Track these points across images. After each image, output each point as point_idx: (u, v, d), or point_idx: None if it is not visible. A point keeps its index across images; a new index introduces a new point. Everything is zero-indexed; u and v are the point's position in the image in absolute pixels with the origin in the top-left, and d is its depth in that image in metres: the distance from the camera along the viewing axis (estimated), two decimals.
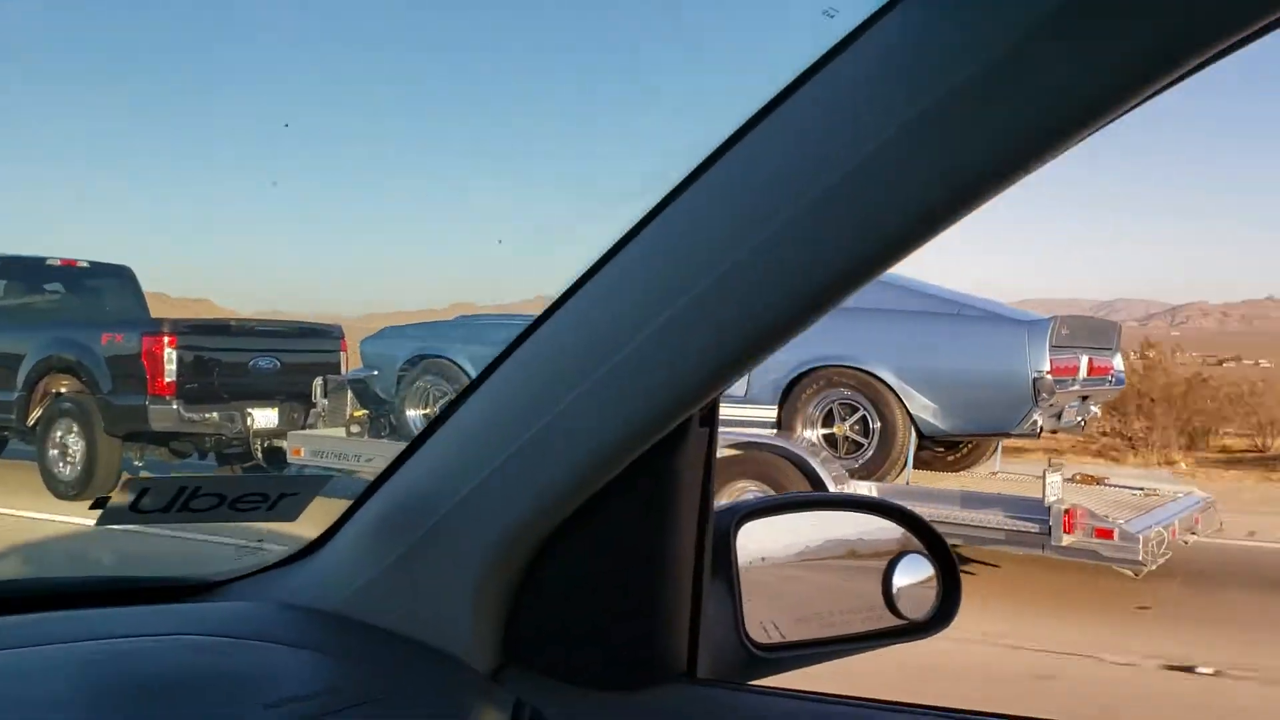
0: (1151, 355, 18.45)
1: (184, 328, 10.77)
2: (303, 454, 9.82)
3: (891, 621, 1.20)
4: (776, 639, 1.14)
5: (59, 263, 12.33)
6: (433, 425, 1.01)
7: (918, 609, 1.21)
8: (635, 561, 0.94)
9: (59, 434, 10.72)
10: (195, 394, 10.52)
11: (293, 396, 11.24)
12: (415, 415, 9.48)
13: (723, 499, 6.99)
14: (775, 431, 7.67)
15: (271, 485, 1.07)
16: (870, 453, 7.47)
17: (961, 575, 1.24)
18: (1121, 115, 0.62)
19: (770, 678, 1.08)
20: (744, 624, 1.07)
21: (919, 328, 7.42)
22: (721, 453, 7.36)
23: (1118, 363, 8.32)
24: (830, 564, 1.26)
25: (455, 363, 9.23)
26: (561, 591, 0.95)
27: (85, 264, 12.68)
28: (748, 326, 0.76)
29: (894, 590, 1.20)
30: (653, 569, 0.93)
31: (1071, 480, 8.00)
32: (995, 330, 7.26)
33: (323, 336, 12.02)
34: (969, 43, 0.62)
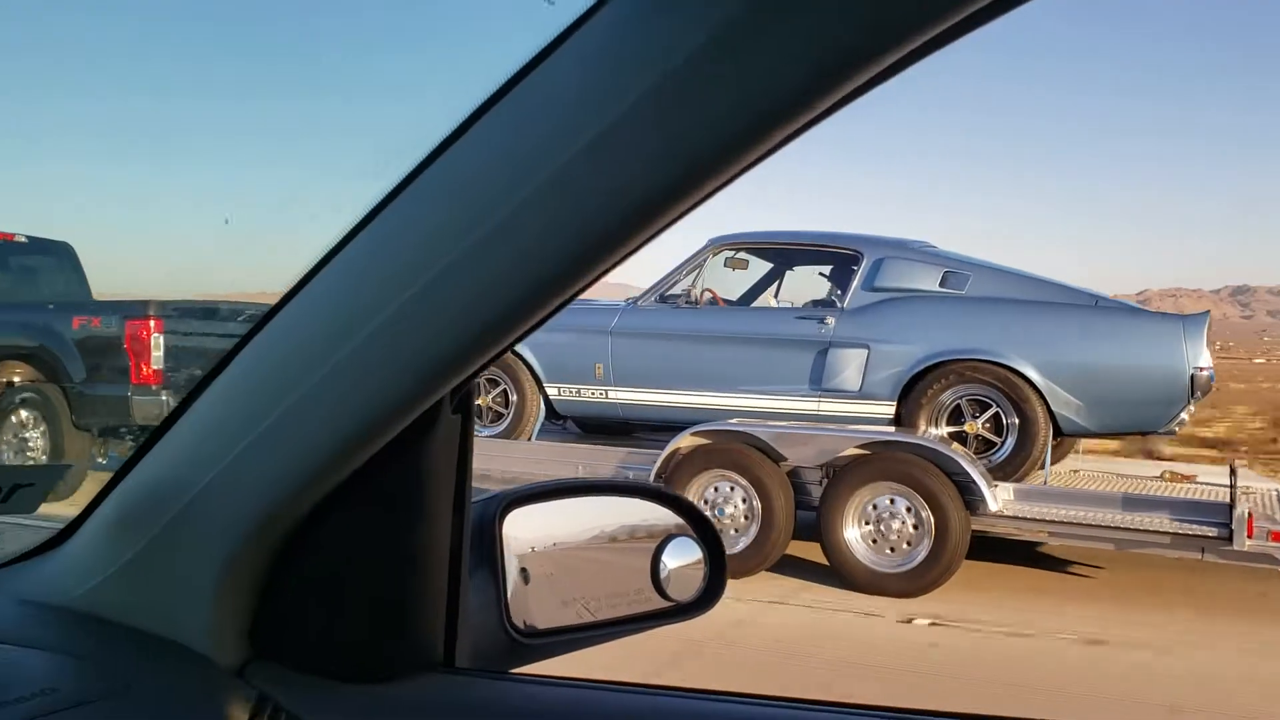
0: None
1: (171, 311, 9.60)
2: None
3: (660, 604, 1.23)
4: (551, 625, 1.17)
5: None
6: (174, 413, 0.96)
7: (686, 590, 1.24)
8: (386, 552, 0.92)
9: (14, 429, 9.43)
10: (185, 384, 9.38)
11: None
12: None
13: (859, 500, 6.01)
14: (911, 430, 7.18)
15: (5, 476, 1.02)
16: (1005, 452, 7.06)
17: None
18: (834, 106, 0.63)
19: (540, 663, 1.11)
20: (508, 612, 1.08)
21: (1061, 320, 7.07)
22: (847, 452, 6.87)
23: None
24: (602, 549, 1.28)
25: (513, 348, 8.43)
26: (311, 583, 0.93)
27: (24, 239, 11.28)
28: (479, 315, 0.76)
29: (663, 573, 1.23)
30: (405, 559, 0.93)
31: (1161, 479, 7.80)
32: (1148, 325, 6.96)
33: None
34: (677, 35, 0.62)
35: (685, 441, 7.38)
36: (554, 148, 0.68)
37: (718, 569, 1.25)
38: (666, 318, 8.06)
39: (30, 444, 9.43)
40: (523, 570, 1.16)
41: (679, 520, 1.26)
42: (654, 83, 0.63)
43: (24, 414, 9.50)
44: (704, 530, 1.26)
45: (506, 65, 0.71)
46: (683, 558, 1.24)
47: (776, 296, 8.83)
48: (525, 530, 1.15)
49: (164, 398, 9.23)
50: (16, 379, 9.60)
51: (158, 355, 9.29)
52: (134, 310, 9.48)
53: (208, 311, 10.16)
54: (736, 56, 0.60)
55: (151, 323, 9.30)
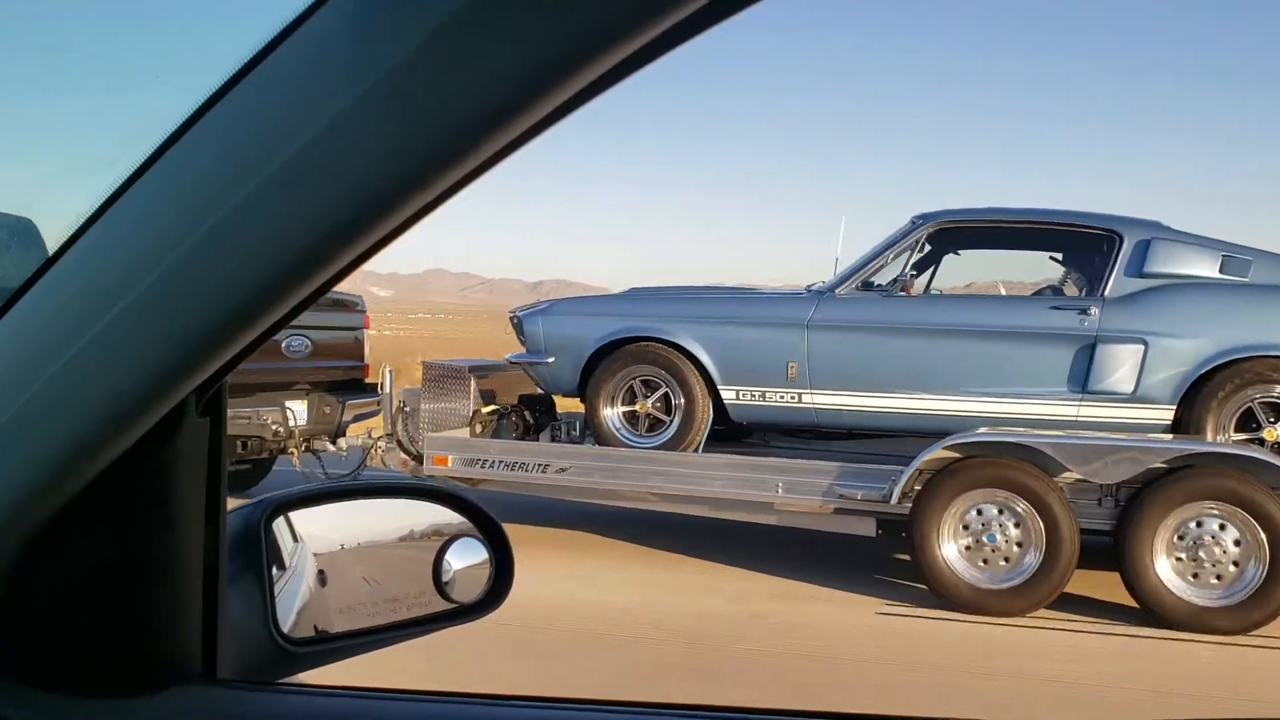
0: None
1: None
2: (450, 463, 7.37)
3: (442, 606, 1.22)
4: (327, 631, 1.18)
5: None
6: None
7: (471, 591, 1.23)
8: (132, 562, 0.89)
9: None
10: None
11: (320, 386, 8.94)
12: (614, 415, 7.24)
13: (1170, 523, 5.25)
14: (1200, 438, 6.18)
15: None
16: None
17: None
18: (565, 107, 0.64)
19: (317, 671, 1.10)
20: (275, 620, 1.06)
21: None
22: (1156, 464, 5.85)
23: None
24: (384, 552, 1.28)
25: (678, 346, 7.10)
26: (53, 596, 0.89)
27: None
28: (212, 313, 0.73)
29: (447, 574, 1.22)
30: (152, 569, 0.89)
31: None
32: None
33: (349, 310, 9.39)
34: (400, 30, 0.61)
35: (937, 455, 6.23)
36: (283, 141, 0.66)
37: (504, 568, 1.23)
38: (878, 308, 6.87)
39: None
40: (320, 573, 1.20)
41: (463, 521, 1.24)
42: (379, 78, 0.62)
43: None
44: (490, 531, 1.24)
45: (239, 54, 0.70)
46: (468, 558, 1.23)
47: (997, 284, 7.70)
48: (318, 533, 1.19)
49: None
50: None
51: None
52: None
53: None
54: (459, 53, 0.60)
55: None
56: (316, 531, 1.18)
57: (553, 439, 7.71)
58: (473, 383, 7.86)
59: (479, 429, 7.76)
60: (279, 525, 1.15)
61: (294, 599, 1.15)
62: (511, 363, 7.84)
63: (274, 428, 8.35)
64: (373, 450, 8.51)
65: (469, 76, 0.61)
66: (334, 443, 8.99)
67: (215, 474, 0.91)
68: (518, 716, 0.93)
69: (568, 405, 8.11)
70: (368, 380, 9.42)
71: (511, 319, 7.80)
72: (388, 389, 8.51)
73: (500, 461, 7.27)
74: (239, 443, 8.21)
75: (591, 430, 7.30)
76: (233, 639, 0.96)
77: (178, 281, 0.73)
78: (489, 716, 0.93)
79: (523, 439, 7.70)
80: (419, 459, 7.82)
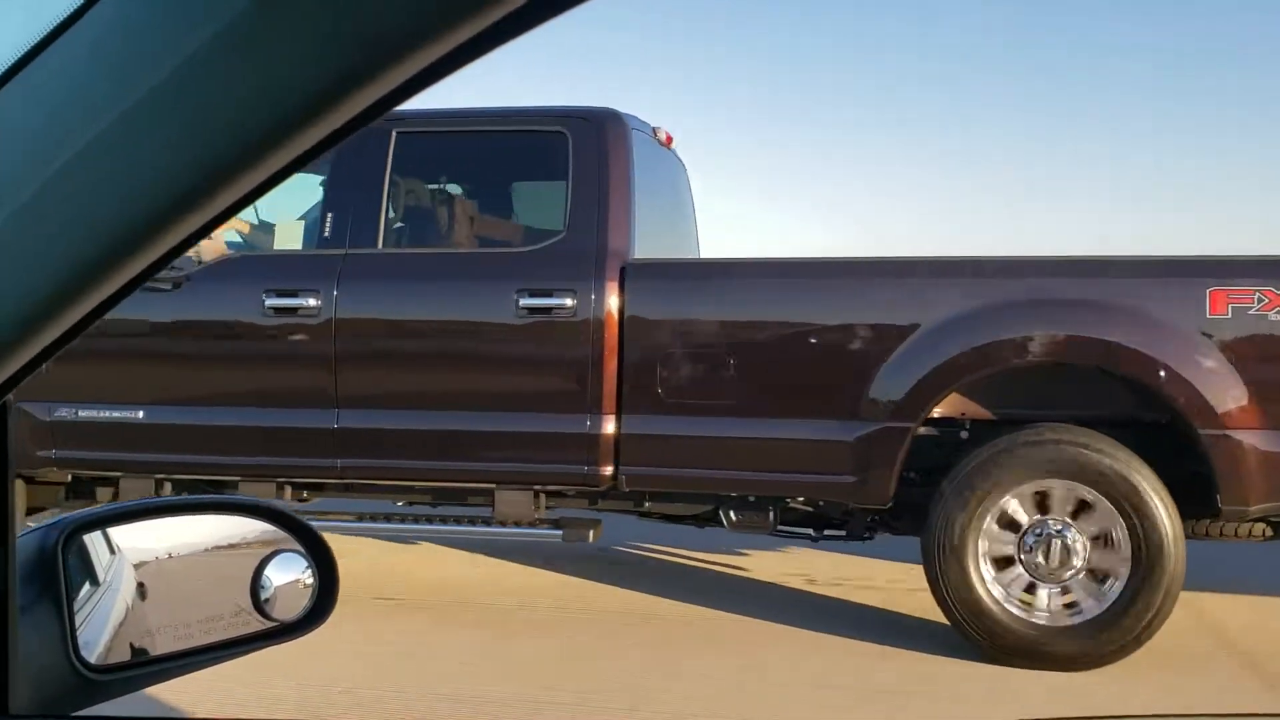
0: None
1: None
2: None
3: (261, 625, 1.17)
4: (132, 657, 1.11)
5: None
6: None
7: (293, 608, 1.19)
8: None
9: None
10: None
11: None
12: None
13: None
14: None
15: None
16: None
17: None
18: (362, 117, 0.59)
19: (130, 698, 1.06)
20: (75, 648, 1.01)
21: None
22: None
23: None
24: (200, 569, 1.22)
25: None
26: None
27: None
28: None
29: (266, 591, 1.18)
30: None
31: None
32: None
33: None
34: (190, 25, 0.57)
35: None
36: (73, 131, 0.61)
37: (329, 583, 1.19)
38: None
39: None
40: (140, 586, 1.13)
41: (283, 535, 1.20)
42: (167, 73, 0.57)
43: None
44: (312, 544, 1.20)
45: (29, 33, 0.63)
46: (289, 574, 1.18)
47: None
48: (139, 543, 1.12)
49: None
50: None
51: None
52: None
53: None
54: (251, 52, 0.56)
55: None
56: (137, 542, 1.12)
57: None
58: None
59: None
60: (94, 538, 1.11)
61: (107, 617, 1.10)
62: None
63: None
64: None
65: (260, 78, 0.57)
66: None
67: (1, 496, 0.84)
68: None
69: None
70: None
71: None
72: None
73: None
74: None
75: None
76: (28, 671, 0.90)
77: None
78: None
79: None
80: None
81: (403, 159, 4.96)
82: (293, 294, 4.86)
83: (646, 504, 4.96)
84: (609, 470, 4.65)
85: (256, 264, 5.15)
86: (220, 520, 1.24)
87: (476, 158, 5.32)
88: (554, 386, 4.71)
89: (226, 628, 1.16)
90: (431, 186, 5.40)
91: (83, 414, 4.95)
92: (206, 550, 1.20)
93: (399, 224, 5.21)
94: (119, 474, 5.07)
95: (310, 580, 1.19)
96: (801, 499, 4.77)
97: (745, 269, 5.00)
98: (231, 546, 1.21)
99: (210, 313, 5.01)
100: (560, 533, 4.86)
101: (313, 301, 4.81)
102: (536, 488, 4.82)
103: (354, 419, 4.81)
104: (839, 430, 4.45)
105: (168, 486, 5.08)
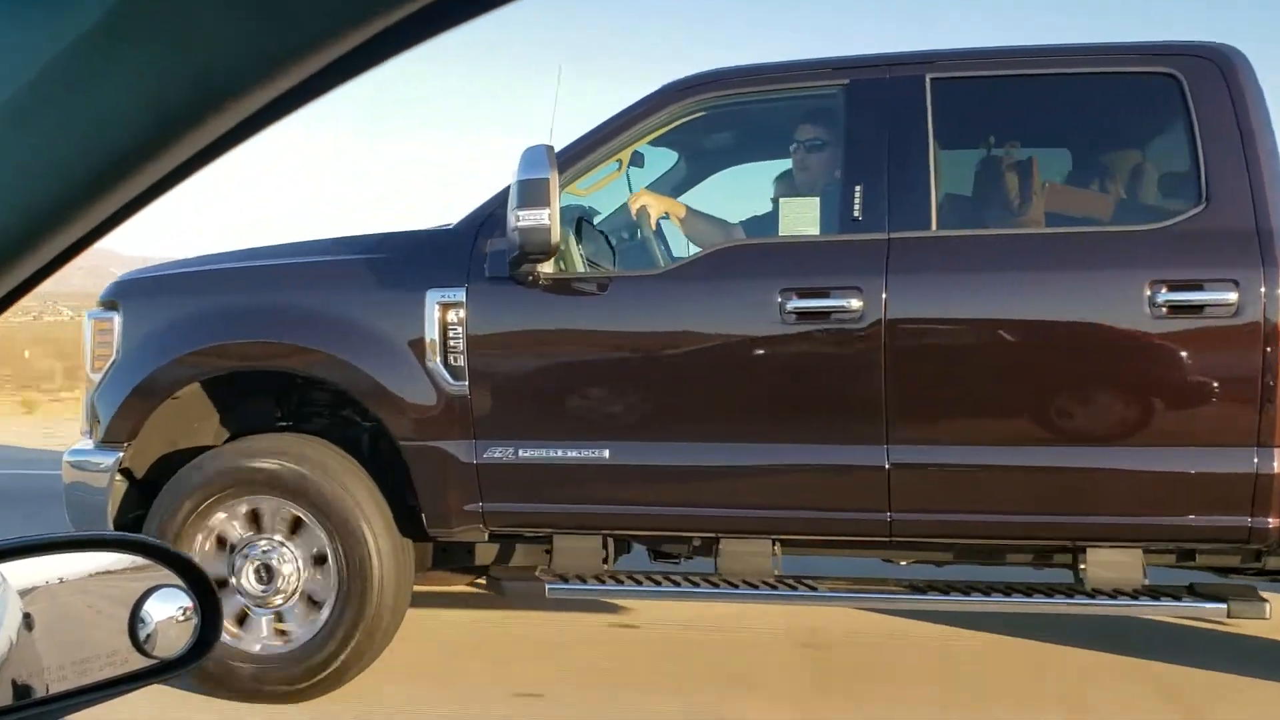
0: None
1: None
2: None
3: (140, 664, 1.13)
4: (45, 694, 1.07)
5: None
6: None
7: (175, 644, 1.15)
8: None
9: None
10: None
11: None
12: None
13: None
14: None
15: None
16: None
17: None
18: (228, 139, 0.56)
19: None
20: None
21: None
22: None
23: None
24: (70, 609, 1.17)
25: None
26: None
27: None
28: None
29: (144, 629, 1.13)
30: None
31: None
32: None
33: None
34: (51, 31, 0.53)
35: None
36: None
37: (211, 617, 1.16)
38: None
39: None
40: (27, 617, 1.06)
41: (161, 569, 1.16)
42: (30, 78, 0.54)
43: None
44: (191, 577, 1.16)
45: None
46: (169, 609, 1.14)
47: None
48: (25, 572, 1.07)
49: None
50: None
51: None
52: None
53: None
54: (108, 62, 0.53)
55: None
56: (22, 572, 1.07)
57: None
58: None
59: None
60: None
61: None
62: None
63: None
64: None
65: (117, 87, 0.54)
66: None
67: None
68: None
69: None
70: None
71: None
72: None
73: None
74: None
75: None
76: None
77: None
78: None
79: None
80: None
81: (945, 113, 3.84)
82: (823, 294, 3.73)
83: None
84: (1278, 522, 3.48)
85: (762, 255, 3.94)
86: (88, 559, 1.18)
87: (1043, 109, 4.15)
88: (1205, 412, 3.58)
89: (103, 668, 1.12)
90: (986, 148, 4.20)
91: (524, 454, 3.87)
92: (93, 575, 1.16)
93: (953, 198, 4.10)
94: (553, 530, 4.02)
95: (188, 616, 1.15)
96: None
97: None
98: (101, 585, 1.17)
99: (705, 320, 3.87)
100: (1224, 606, 3.65)
101: (855, 303, 3.67)
102: (1170, 544, 3.69)
103: (914, 455, 3.69)
104: None
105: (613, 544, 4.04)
